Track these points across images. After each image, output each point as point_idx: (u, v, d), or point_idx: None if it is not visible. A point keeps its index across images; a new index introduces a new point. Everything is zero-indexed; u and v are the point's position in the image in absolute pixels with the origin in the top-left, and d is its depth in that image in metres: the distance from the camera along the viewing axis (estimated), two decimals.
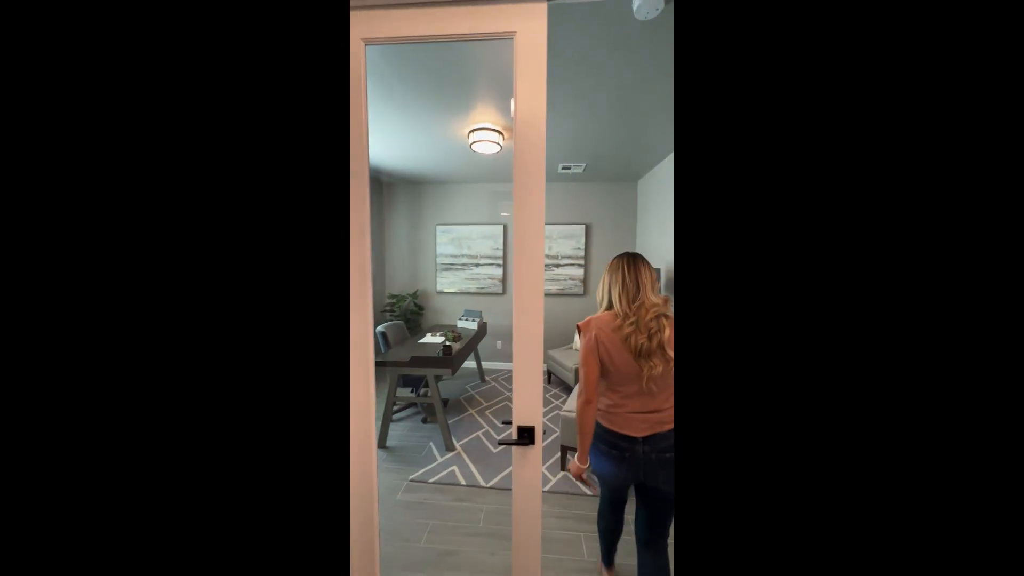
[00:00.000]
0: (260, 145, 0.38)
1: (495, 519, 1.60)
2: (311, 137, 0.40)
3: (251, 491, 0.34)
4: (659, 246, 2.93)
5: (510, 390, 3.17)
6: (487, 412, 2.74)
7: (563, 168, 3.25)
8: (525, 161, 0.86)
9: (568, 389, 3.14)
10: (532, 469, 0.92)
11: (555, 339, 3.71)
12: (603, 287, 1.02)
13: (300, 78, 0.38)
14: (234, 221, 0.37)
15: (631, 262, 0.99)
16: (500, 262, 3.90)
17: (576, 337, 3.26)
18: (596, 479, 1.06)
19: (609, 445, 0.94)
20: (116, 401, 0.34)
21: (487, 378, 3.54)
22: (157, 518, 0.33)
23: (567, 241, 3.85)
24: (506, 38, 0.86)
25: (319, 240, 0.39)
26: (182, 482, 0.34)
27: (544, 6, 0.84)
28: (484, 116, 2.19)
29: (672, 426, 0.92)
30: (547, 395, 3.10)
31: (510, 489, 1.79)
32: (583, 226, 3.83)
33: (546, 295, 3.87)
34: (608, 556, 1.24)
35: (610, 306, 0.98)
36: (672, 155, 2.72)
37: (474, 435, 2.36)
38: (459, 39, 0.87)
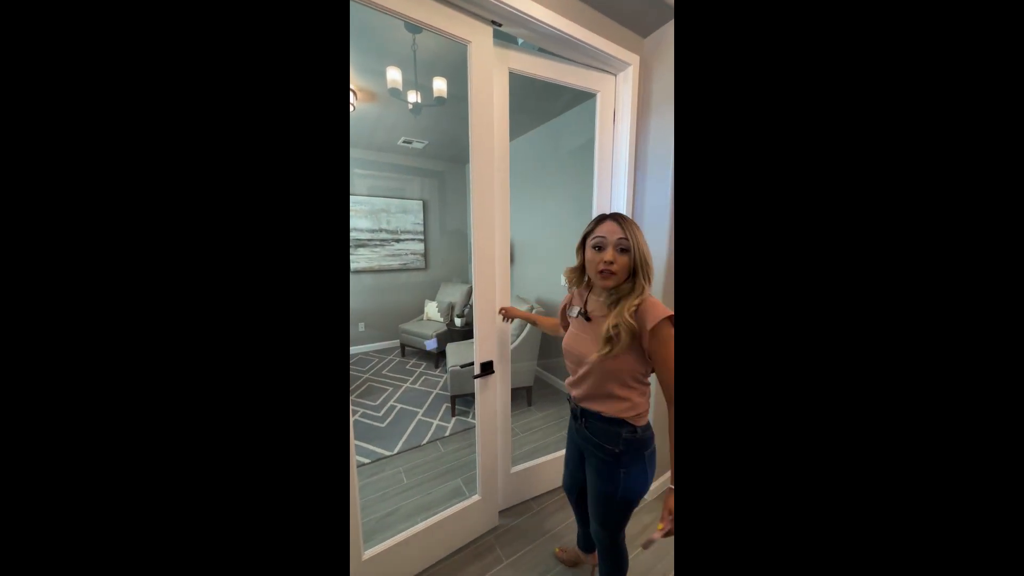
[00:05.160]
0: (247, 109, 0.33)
1: (418, 473, 1.70)
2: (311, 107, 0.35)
3: (250, 485, 0.34)
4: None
5: (364, 371, 3.05)
6: (352, 397, 2.59)
7: (404, 141, 3.22)
8: (481, 150, 1.09)
9: (426, 356, 3.35)
10: (491, 390, 1.23)
11: (405, 313, 3.76)
12: (643, 254, 0.71)
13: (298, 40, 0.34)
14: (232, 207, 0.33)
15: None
16: None
17: (429, 307, 3.48)
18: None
19: (649, 448, 0.76)
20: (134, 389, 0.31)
21: None
22: (163, 508, 0.32)
23: (405, 216, 3.86)
24: (463, 43, 1.02)
25: (321, 232, 0.37)
26: (185, 474, 0.32)
27: (490, 29, 1.05)
28: None
29: None
30: (407, 366, 3.21)
31: (420, 446, 1.94)
32: (420, 202, 3.93)
33: (389, 270, 3.84)
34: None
35: (643, 280, 0.71)
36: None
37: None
38: (421, 25, 0.94)
